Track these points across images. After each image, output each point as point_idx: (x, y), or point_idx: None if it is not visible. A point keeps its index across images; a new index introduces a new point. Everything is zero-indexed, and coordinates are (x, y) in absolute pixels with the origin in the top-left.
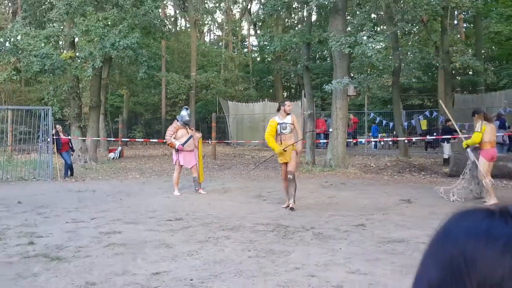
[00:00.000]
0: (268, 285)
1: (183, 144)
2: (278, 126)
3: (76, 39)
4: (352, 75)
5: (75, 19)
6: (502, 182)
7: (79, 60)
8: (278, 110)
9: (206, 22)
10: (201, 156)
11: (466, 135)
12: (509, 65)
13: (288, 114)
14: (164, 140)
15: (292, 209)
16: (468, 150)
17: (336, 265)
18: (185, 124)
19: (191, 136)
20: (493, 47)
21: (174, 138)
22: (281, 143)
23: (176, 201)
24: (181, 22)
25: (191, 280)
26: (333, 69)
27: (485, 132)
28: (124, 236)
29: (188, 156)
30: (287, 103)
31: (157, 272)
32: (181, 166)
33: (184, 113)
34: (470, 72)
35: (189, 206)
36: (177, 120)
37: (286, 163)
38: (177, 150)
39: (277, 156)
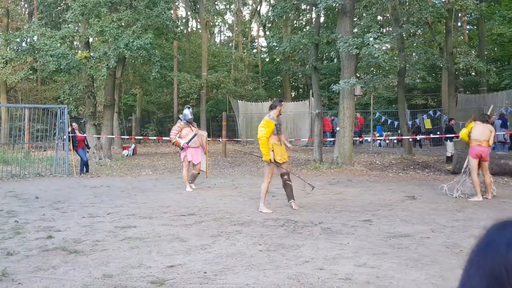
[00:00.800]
0: (279, 277)
1: (187, 142)
2: (275, 127)
3: (91, 40)
4: (358, 75)
5: (90, 20)
6: (504, 179)
7: (93, 60)
8: (271, 108)
9: (216, 24)
10: (207, 154)
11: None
12: (511, 66)
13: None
14: (169, 139)
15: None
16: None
17: (344, 259)
18: (189, 122)
19: (195, 134)
20: (495, 49)
21: (179, 137)
22: (280, 144)
23: (188, 197)
24: (192, 23)
25: (205, 273)
26: (341, 70)
27: (472, 130)
28: (139, 231)
29: (195, 152)
30: (283, 102)
31: (172, 265)
32: (189, 162)
33: (186, 112)
34: (473, 73)
35: (201, 202)
36: (181, 120)
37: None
38: (182, 148)
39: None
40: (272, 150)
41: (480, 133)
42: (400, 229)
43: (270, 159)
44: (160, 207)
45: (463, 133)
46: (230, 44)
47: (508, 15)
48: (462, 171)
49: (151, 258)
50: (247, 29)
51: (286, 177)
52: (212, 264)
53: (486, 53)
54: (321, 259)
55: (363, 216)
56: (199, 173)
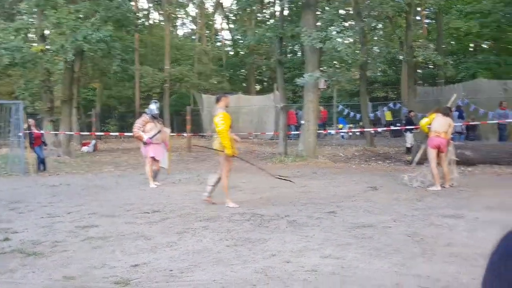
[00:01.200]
0: (246, 272)
1: (151, 138)
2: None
3: (47, 32)
4: (322, 69)
5: (45, 11)
6: (460, 168)
7: (50, 53)
8: (218, 101)
9: (179, 16)
10: (169, 149)
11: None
12: (467, 59)
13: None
14: (132, 133)
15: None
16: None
17: (310, 251)
18: (154, 117)
19: (159, 131)
20: (452, 42)
21: (143, 131)
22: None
23: (152, 194)
24: (154, 16)
25: (171, 270)
26: (305, 63)
27: (432, 122)
28: (102, 230)
29: (158, 148)
30: (227, 95)
31: (137, 264)
32: (152, 157)
33: (153, 106)
34: (431, 66)
35: (165, 198)
36: (146, 114)
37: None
38: (145, 143)
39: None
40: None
41: (439, 125)
42: (364, 219)
43: (233, 153)
44: (123, 204)
45: (423, 123)
46: (194, 37)
47: (465, 9)
48: (415, 160)
49: (114, 258)
50: (210, 22)
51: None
52: (178, 262)
53: (443, 46)
54: (288, 252)
55: (328, 208)
56: (159, 170)
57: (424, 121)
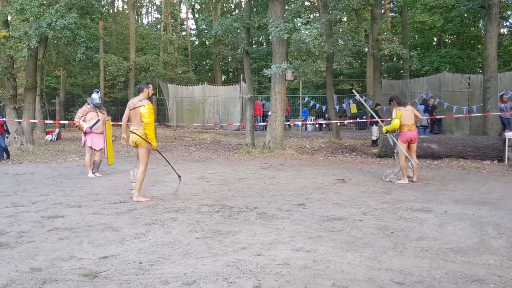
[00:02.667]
0: (217, 265)
1: (91, 127)
2: None
3: (10, 18)
4: (289, 60)
5: None
6: (426, 162)
7: (13, 40)
8: (140, 91)
9: (144, 4)
10: (110, 139)
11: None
12: (430, 53)
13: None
14: (73, 122)
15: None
16: (388, 134)
17: (281, 244)
18: (96, 107)
19: (98, 120)
20: (416, 36)
21: (84, 120)
22: None
23: (119, 184)
24: (119, 3)
25: (140, 263)
26: (272, 55)
27: (401, 117)
28: (68, 220)
29: (96, 138)
30: (151, 85)
31: (105, 256)
32: (91, 148)
33: (95, 96)
34: (395, 59)
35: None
36: (88, 103)
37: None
38: (85, 133)
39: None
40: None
41: (408, 118)
42: (333, 212)
43: (154, 145)
44: (89, 194)
45: (396, 125)
46: (159, 26)
47: (429, 3)
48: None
49: (82, 249)
50: (176, 11)
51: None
52: (147, 254)
53: (408, 40)
54: (259, 244)
55: (297, 200)
56: (101, 160)
57: (396, 122)
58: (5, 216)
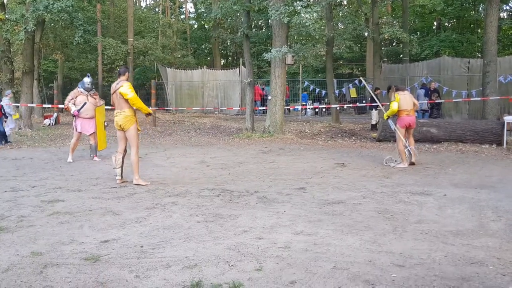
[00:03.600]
0: (218, 248)
1: (78, 110)
2: None
3: (6, 1)
4: (289, 44)
5: None
6: (425, 146)
7: (10, 23)
8: (120, 74)
9: None
10: (101, 124)
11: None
12: (430, 37)
13: None
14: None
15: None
16: (389, 121)
17: (282, 227)
18: (86, 90)
19: (85, 103)
20: (416, 20)
21: (74, 104)
22: (135, 115)
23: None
24: None
25: (142, 247)
26: (272, 38)
27: (399, 101)
28: (68, 205)
29: (86, 123)
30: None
31: (106, 240)
32: (80, 132)
33: (86, 80)
34: (395, 43)
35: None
36: (78, 87)
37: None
38: (74, 116)
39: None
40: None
41: (406, 103)
42: (333, 196)
43: (150, 112)
44: (88, 179)
45: (395, 108)
46: (157, 9)
47: None
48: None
49: (83, 233)
50: None
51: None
52: (148, 238)
53: (408, 24)
54: (260, 228)
55: (297, 184)
56: (96, 143)
57: (395, 106)
58: (5, 200)
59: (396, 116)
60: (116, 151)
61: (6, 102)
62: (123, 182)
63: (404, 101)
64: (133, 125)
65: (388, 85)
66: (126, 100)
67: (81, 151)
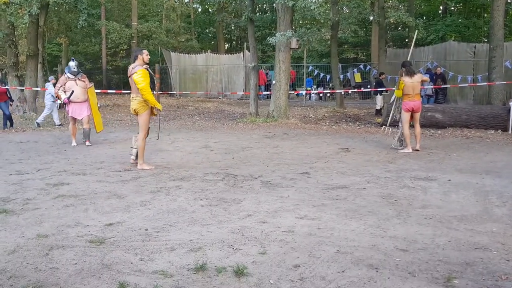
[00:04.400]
0: (223, 231)
1: (68, 98)
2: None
3: None
4: (293, 28)
5: None
6: (430, 131)
7: (14, 6)
8: (135, 59)
9: None
10: (95, 106)
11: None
12: (436, 21)
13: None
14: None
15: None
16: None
17: (286, 211)
18: (73, 75)
19: (73, 91)
20: (422, 5)
21: (64, 90)
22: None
23: (123, 152)
24: None
25: (146, 230)
26: (276, 22)
27: (404, 87)
28: (73, 188)
29: (77, 107)
30: (145, 51)
31: (111, 223)
32: (73, 117)
33: (71, 64)
34: (400, 28)
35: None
36: (65, 72)
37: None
38: (64, 103)
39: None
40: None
41: (411, 88)
42: (337, 181)
43: (158, 106)
44: (93, 162)
45: (399, 94)
46: None
47: None
48: (387, 123)
49: (88, 216)
50: None
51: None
52: (153, 221)
53: (413, 8)
54: (263, 212)
55: (301, 169)
56: (89, 128)
57: (398, 93)
58: (10, 183)
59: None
60: (137, 132)
61: (51, 87)
62: (134, 162)
63: (408, 86)
64: (146, 111)
65: (403, 62)
66: None
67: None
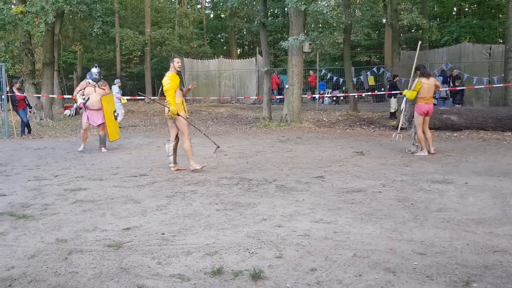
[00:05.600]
0: (238, 236)
1: (84, 103)
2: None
3: None
4: (305, 32)
5: None
6: (445, 134)
7: (30, 15)
8: (169, 68)
9: None
10: (111, 113)
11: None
12: (450, 23)
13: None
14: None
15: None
16: (404, 100)
17: (301, 215)
18: (94, 81)
19: (89, 98)
20: (435, 7)
21: (82, 95)
22: (183, 102)
23: (138, 158)
24: None
25: (163, 234)
26: (289, 27)
27: (420, 89)
28: (90, 193)
29: (94, 114)
30: (176, 59)
31: (128, 228)
32: (89, 123)
33: (94, 70)
34: (414, 30)
35: (151, 162)
36: (87, 78)
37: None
38: (81, 108)
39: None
40: (183, 107)
41: (426, 91)
42: (352, 184)
43: (177, 112)
44: (109, 168)
45: (412, 95)
46: (173, 0)
47: None
48: (400, 125)
49: (105, 221)
50: None
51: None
52: (169, 225)
53: (427, 10)
54: (279, 216)
55: (316, 173)
56: (105, 135)
57: (412, 95)
58: (29, 189)
59: (414, 102)
60: (168, 139)
61: (117, 90)
62: (177, 169)
63: (425, 88)
64: (176, 109)
65: (417, 65)
66: None
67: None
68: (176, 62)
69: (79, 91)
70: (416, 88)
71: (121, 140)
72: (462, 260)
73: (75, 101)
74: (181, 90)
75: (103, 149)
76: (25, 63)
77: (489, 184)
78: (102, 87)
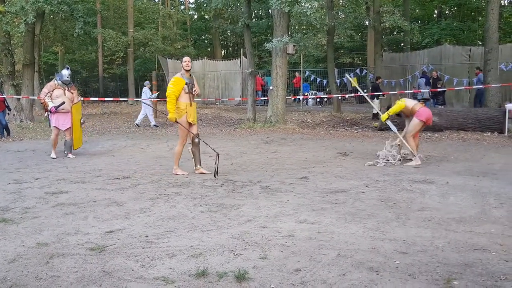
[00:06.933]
0: (223, 237)
1: (56, 107)
2: (186, 86)
3: None
4: (289, 34)
5: None
6: (427, 134)
7: (10, 15)
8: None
9: None
10: (78, 121)
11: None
12: (431, 25)
13: (188, 71)
14: (39, 98)
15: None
16: (388, 122)
17: (285, 216)
18: (64, 84)
19: (63, 102)
20: (417, 9)
21: (50, 97)
22: (191, 104)
23: (121, 160)
24: None
25: (147, 236)
26: (273, 28)
27: (406, 102)
28: (72, 196)
29: (61, 118)
30: (184, 58)
31: (111, 231)
32: (56, 127)
33: (65, 72)
34: (395, 32)
35: (135, 164)
36: (55, 79)
37: (190, 124)
38: (50, 111)
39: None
40: (186, 111)
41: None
42: (336, 185)
43: (175, 119)
44: (92, 170)
45: (402, 104)
46: (157, 0)
47: None
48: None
49: (88, 224)
50: None
51: (197, 140)
52: (153, 228)
53: (409, 12)
54: (263, 217)
55: (300, 174)
56: (72, 139)
57: (401, 103)
58: (9, 192)
59: (397, 115)
60: (189, 143)
61: (148, 91)
62: (201, 172)
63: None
64: (181, 118)
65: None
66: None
67: (83, 143)
68: (183, 61)
69: (47, 93)
70: (398, 109)
71: (104, 142)
72: (443, 259)
73: (44, 104)
74: (187, 93)
75: (70, 155)
76: (5, 64)
77: (469, 183)
78: (71, 90)
